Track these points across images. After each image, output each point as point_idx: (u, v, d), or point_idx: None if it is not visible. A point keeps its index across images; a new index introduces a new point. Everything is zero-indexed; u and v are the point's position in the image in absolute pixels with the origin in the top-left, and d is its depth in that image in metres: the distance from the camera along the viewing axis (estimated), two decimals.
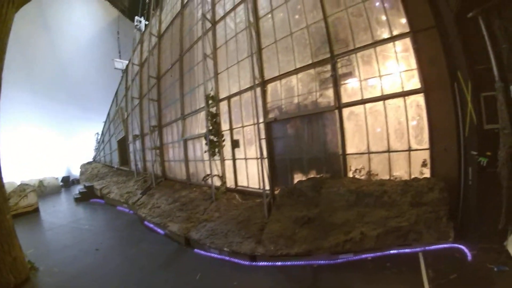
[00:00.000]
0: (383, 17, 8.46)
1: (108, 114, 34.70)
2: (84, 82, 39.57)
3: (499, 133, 5.60)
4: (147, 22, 25.35)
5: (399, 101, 8.08)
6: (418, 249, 6.34)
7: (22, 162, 30.73)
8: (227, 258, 8.46)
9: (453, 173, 7.12)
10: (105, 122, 35.86)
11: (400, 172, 8.12)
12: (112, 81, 35.26)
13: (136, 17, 26.04)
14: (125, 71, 29.34)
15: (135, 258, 9.74)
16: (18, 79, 30.89)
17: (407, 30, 7.90)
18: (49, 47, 36.60)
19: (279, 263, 7.51)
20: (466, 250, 5.90)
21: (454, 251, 6.02)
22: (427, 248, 6.28)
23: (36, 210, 18.93)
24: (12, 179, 23.44)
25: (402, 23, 8.08)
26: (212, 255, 8.90)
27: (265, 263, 7.70)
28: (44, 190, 27.85)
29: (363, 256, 6.75)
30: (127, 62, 29.59)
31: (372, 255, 6.69)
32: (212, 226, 10.01)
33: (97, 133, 39.42)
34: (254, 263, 7.87)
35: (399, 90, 8.07)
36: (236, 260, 8.23)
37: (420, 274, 5.65)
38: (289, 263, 7.42)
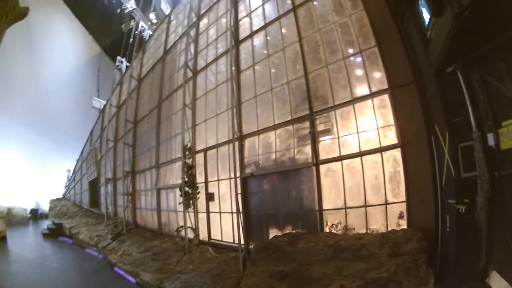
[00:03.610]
0: (363, 74, 8.82)
1: (81, 152, 34.28)
2: (61, 115, 39.33)
3: (476, 181, 5.75)
4: (128, 64, 25.61)
5: (376, 156, 8.25)
6: None
7: None
8: None
9: (430, 222, 7.21)
10: (78, 160, 35.37)
11: (377, 225, 8.15)
12: (88, 118, 35.14)
13: (118, 57, 26.31)
14: (102, 111, 29.30)
15: None
16: None
17: (386, 86, 8.18)
18: (31, 71, 36.53)
19: None
20: None
21: None
22: None
23: (3, 238, 18.36)
24: None
25: (381, 79, 8.39)
26: None
27: None
28: (12, 219, 26.82)
29: None
30: (104, 102, 29.59)
31: None
32: (187, 278, 9.77)
33: (69, 170, 38.73)
34: None
35: (376, 145, 8.26)
36: None
37: None
38: None
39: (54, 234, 21.38)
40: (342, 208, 8.79)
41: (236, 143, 11.22)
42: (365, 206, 8.36)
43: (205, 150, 13.31)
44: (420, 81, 7.57)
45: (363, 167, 8.45)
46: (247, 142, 11.44)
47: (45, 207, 34.82)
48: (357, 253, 7.56)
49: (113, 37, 40.48)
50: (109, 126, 24.77)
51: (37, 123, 36.77)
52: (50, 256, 15.60)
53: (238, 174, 10.98)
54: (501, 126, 5.41)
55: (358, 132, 8.71)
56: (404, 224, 7.70)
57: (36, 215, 32.60)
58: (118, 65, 26.25)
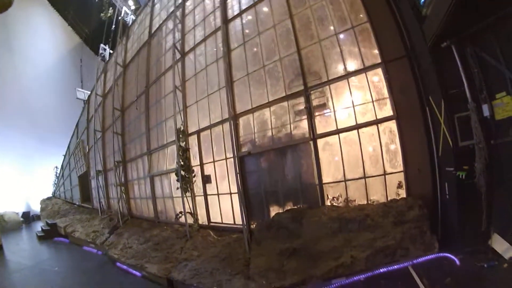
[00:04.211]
0: (355, 49, 8.98)
1: (68, 147, 33.78)
2: (44, 111, 38.45)
3: (473, 149, 6.24)
4: (111, 51, 25.26)
5: (372, 128, 8.52)
6: (407, 263, 6.67)
7: None
8: None
9: (428, 190, 7.62)
10: (65, 156, 34.85)
11: (377, 195, 8.43)
12: (73, 112, 34.49)
13: (101, 45, 25.95)
14: (87, 102, 28.87)
15: None
16: None
17: (379, 60, 8.42)
18: (11, 69, 35.56)
19: None
20: (452, 256, 6.38)
21: (441, 260, 6.47)
22: (415, 261, 6.64)
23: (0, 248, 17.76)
24: None
25: (373, 54, 8.61)
26: None
27: None
28: (5, 226, 26.34)
29: (355, 278, 6.92)
30: (89, 92, 29.16)
31: (363, 275, 6.88)
32: (194, 265, 9.73)
33: (56, 167, 38.16)
34: None
35: (372, 118, 8.50)
36: None
37: (416, 284, 6.05)
38: None
39: (49, 235, 20.88)
40: (342, 181, 9.00)
41: (230, 122, 11.15)
42: (364, 177, 8.60)
43: (198, 132, 13.18)
44: (413, 55, 7.93)
45: (360, 140, 8.66)
46: (242, 120, 11.37)
47: (36, 208, 34.24)
48: (362, 224, 7.80)
49: (92, 27, 39.87)
50: (95, 116, 24.31)
51: (21, 123, 35.77)
52: (49, 260, 15.10)
53: (234, 154, 10.94)
54: (495, 98, 5.95)
55: (353, 106, 8.87)
56: (403, 194, 8.01)
57: (28, 218, 31.99)
58: (101, 53, 25.83)
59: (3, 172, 33.64)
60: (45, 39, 40.75)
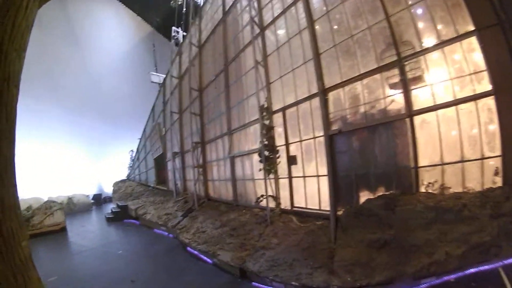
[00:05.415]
0: (446, 15, 8.11)
1: (144, 130, 35.44)
2: (117, 98, 41.37)
3: None
4: (184, 33, 25.91)
5: (471, 105, 7.60)
6: (497, 264, 6.02)
7: (50, 177, 32.02)
8: None
9: None
10: (141, 139, 36.61)
11: (473, 183, 7.56)
12: (147, 96, 36.51)
13: (173, 28, 26.73)
14: (163, 85, 29.99)
15: None
16: (47, 94, 33.10)
17: (472, 28, 7.50)
18: (80, 63, 38.64)
19: None
20: None
21: None
22: (504, 262, 5.94)
23: (63, 230, 19.06)
24: (39, 195, 24.34)
25: (466, 21, 7.69)
26: None
27: None
28: (73, 208, 28.55)
29: (445, 278, 6.41)
30: (163, 75, 30.27)
31: (454, 276, 6.35)
32: (272, 254, 9.44)
33: (132, 151, 40.30)
34: None
35: (470, 93, 7.62)
36: None
37: None
38: None
39: (119, 217, 22.30)
40: (439, 165, 8.16)
41: (319, 98, 10.87)
42: (462, 161, 7.74)
43: (283, 109, 12.86)
44: (507, 22, 6.95)
45: (459, 117, 7.80)
46: (331, 95, 10.82)
47: (108, 190, 37.00)
48: (459, 215, 7.01)
49: (163, 15, 41.70)
50: (172, 98, 25.34)
51: (93, 111, 39.12)
52: (115, 243, 15.56)
53: (323, 132, 10.62)
54: None
55: (451, 79, 8.01)
56: (498, 182, 7.08)
57: (99, 200, 34.72)
58: (174, 35, 26.76)
59: (76, 156, 36.78)
60: (113, 30, 43.95)
